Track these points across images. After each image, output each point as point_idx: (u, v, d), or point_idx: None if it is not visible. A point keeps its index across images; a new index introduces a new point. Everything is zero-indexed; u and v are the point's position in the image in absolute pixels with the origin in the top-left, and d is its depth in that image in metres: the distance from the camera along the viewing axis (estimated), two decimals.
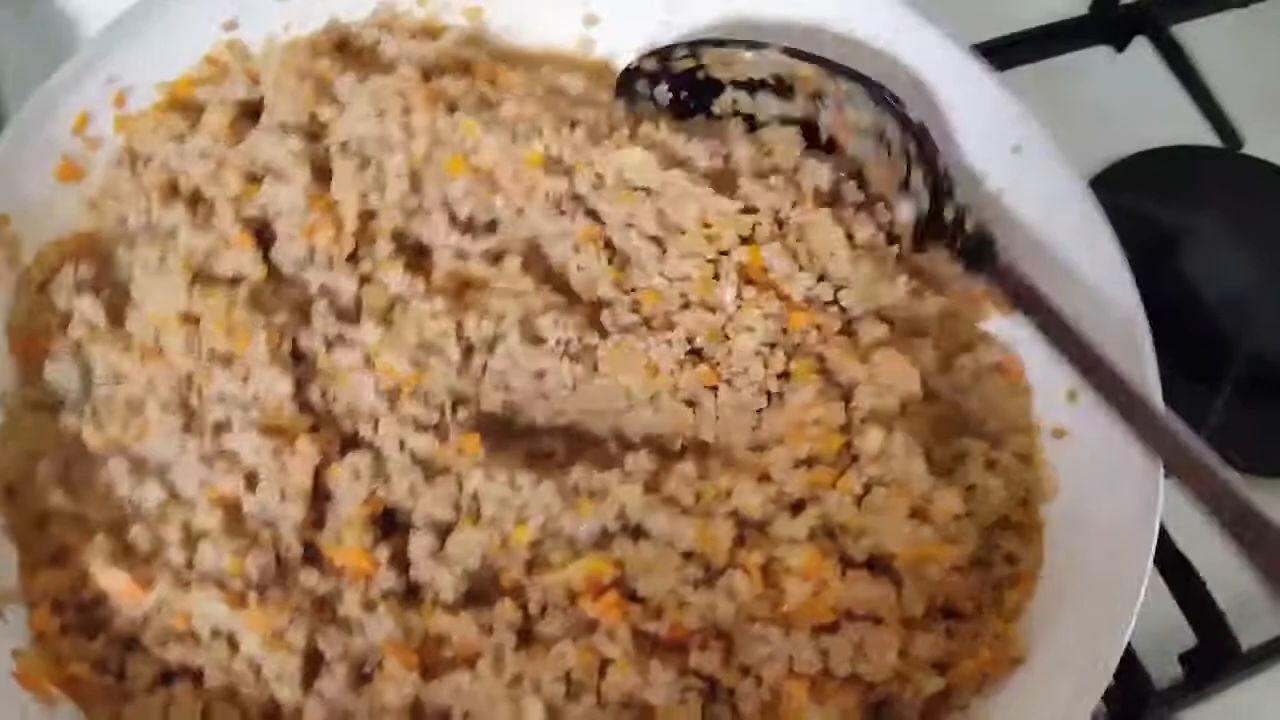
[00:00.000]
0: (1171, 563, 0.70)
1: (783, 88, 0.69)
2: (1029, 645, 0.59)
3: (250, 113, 0.66)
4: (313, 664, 0.54)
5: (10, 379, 0.59)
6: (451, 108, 0.64)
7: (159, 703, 0.53)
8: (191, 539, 0.55)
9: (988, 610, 0.60)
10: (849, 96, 0.67)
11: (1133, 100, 0.94)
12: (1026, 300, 0.63)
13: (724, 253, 0.63)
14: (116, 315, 0.60)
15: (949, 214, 0.65)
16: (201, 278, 0.60)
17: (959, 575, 0.60)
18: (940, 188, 0.65)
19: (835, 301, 0.64)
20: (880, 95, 0.66)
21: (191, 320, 0.59)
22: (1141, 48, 0.95)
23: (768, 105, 0.69)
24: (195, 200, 0.63)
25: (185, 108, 0.67)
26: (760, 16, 0.75)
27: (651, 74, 0.70)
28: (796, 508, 0.59)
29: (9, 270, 0.60)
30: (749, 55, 0.68)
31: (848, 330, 0.64)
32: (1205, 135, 0.91)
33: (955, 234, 0.65)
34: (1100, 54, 0.96)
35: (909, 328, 0.66)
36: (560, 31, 0.75)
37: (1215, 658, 0.68)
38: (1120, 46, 0.96)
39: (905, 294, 0.65)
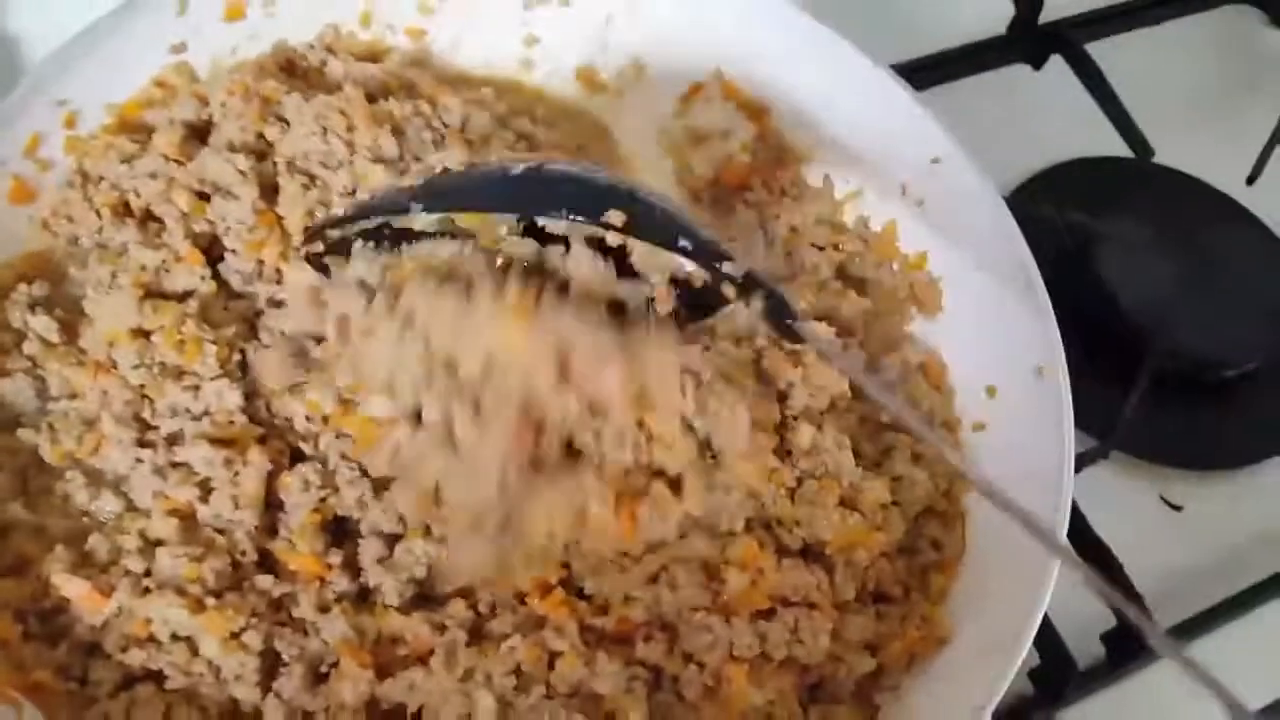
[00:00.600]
0: (1090, 547, 0.74)
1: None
2: (954, 626, 0.62)
3: (198, 133, 0.68)
4: (270, 665, 0.56)
5: None
6: (396, 129, 0.66)
7: (122, 706, 0.54)
8: (149, 547, 0.57)
9: (915, 594, 0.64)
10: None
11: (1050, 115, 0.99)
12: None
13: None
14: (70, 332, 0.62)
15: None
16: (152, 294, 0.61)
17: (887, 561, 0.63)
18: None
19: None
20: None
21: (143, 335, 0.60)
22: (1057, 65, 1.00)
23: None
24: (146, 219, 0.65)
25: (134, 129, 0.68)
26: (683, 39, 0.78)
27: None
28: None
29: None
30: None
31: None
32: (1119, 147, 0.96)
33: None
34: (1019, 71, 1.01)
35: (839, 329, 0.70)
36: (501, 52, 0.78)
37: (1133, 638, 0.72)
38: (1037, 64, 1.01)
39: (831, 295, 0.68)
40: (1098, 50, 0.98)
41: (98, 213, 0.65)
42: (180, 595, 0.55)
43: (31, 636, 0.55)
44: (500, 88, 0.77)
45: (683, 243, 0.52)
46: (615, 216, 0.51)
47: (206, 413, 0.59)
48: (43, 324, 0.60)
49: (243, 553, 0.58)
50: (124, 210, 0.65)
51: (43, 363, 0.61)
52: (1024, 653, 0.57)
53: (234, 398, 0.59)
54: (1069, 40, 0.98)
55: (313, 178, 0.65)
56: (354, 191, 0.65)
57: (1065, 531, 0.61)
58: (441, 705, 0.55)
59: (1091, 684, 0.73)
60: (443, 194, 0.55)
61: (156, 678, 0.56)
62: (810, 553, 0.62)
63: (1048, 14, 1.00)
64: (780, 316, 0.54)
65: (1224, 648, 0.75)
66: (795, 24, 0.76)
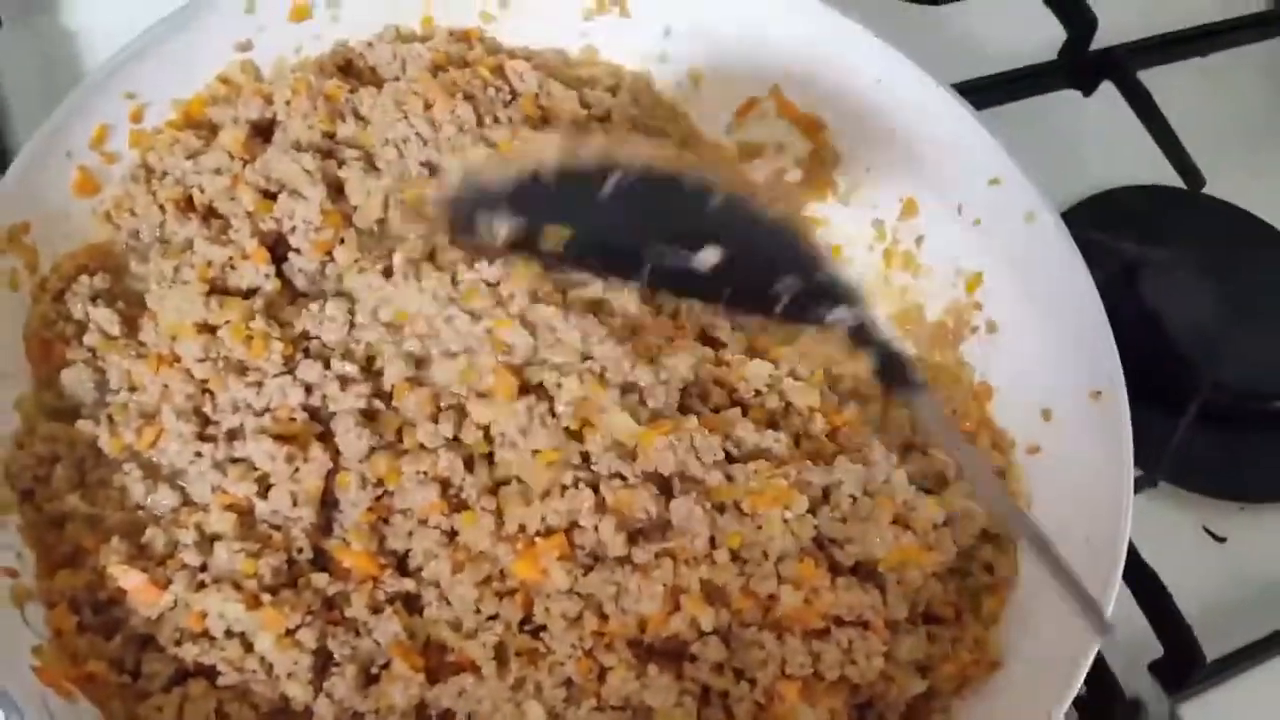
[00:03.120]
0: (1139, 575, 0.73)
1: None
2: (1006, 650, 0.61)
3: (261, 132, 0.69)
4: (322, 664, 0.56)
5: (26, 384, 0.61)
6: (467, 96, 0.67)
7: (174, 700, 0.54)
8: (206, 541, 0.57)
9: (966, 616, 0.63)
10: None
11: (1098, 142, 0.99)
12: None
13: None
14: (131, 325, 0.62)
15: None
16: (216, 290, 0.62)
17: (938, 582, 0.63)
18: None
19: None
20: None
21: (207, 330, 0.60)
22: (1107, 91, 0.99)
23: None
24: (209, 215, 0.65)
25: (198, 125, 0.69)
26: (741, 53, 0.78)
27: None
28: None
29: (27, 278, 0.62)
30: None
31: None
32: (1164, 175, 0.95)
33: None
34: (1068, 97, 1.01)
35: None
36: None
37: (1181, 667, 0.71)
38: (1088, 90, 1.01)
39: None
40: (1149, 78, 0.98)
41: (161, 207, 0.65)
42: (236, 590, 0.55)
43: (86, 628, 0.55)
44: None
45: (784, 283, 0.51)
46: (710, 255, 0.50)
47: (268, 409, 0.59)
48: (104, 316, 0.61)
49: (299, 550, 0.58)
50: (187, 206, 0.66)
51: (103, 354, 0.61)
52: (1080, 681, 0.56)
53: (296, 395, 0.59)
54: (1121, 67, 0.98)
55: (377, 168, 0.66)
56: (433, 170, 0.66)
57: (1124, 559, 0.60)
58: (492, 714, 0.55)
59: (1137, 715, 0.72)
60: (535, 203, 0.55)
61: (208, 673, 0.55)
62: (861, 571, 0.62)
63: (1100, 40, 1.00)
64: (894, 379, 0.52)
65: (1276, 678, 0.74)
66: (854, 41, 0.76)
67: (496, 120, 0.70)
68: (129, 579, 0.55)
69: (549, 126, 0.71)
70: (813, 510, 0.60)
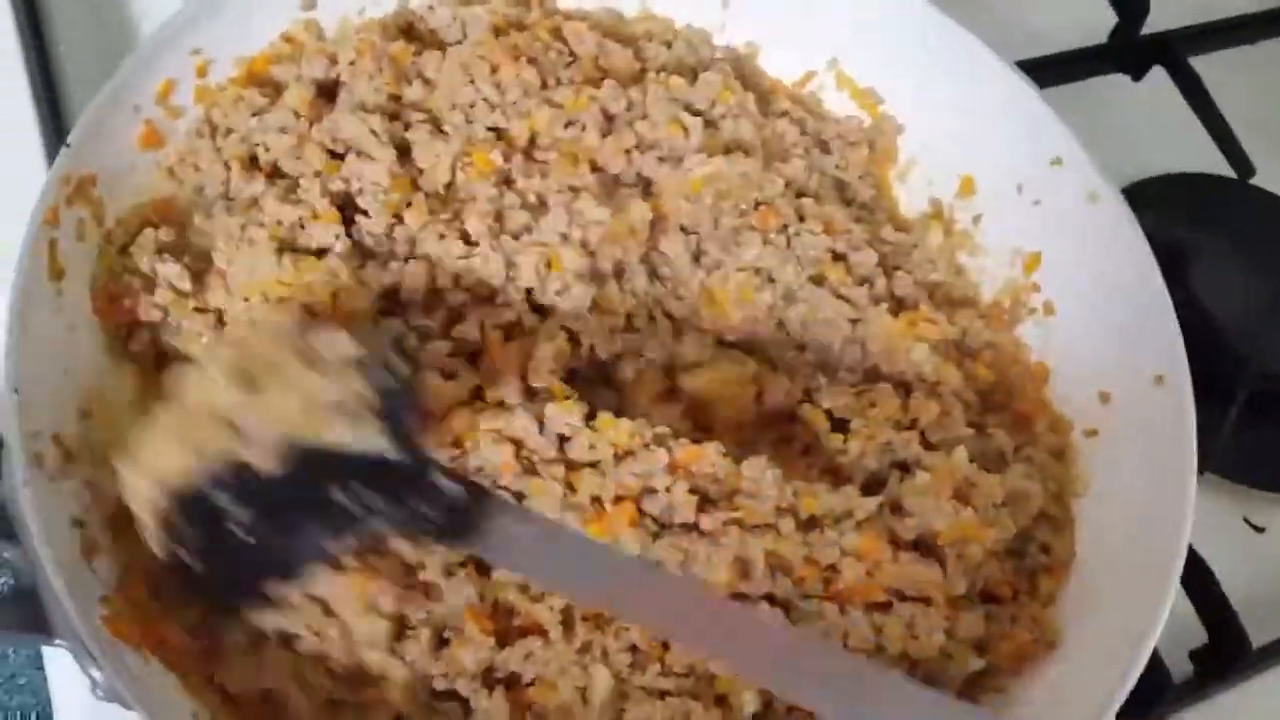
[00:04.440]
0: (1189, 563, 0.73)
1: None
2: (1064, 631, 0.61)
3: (325, 92, 0.68)
4: (398, 629, 0.56)
5: (94, 338, 0.60)
6: (530, 59, 0.67)
7: (251, 663, 0.54)
8: None
9: (1024, 595, 0.63)
10: None
11: (1147, 127, 0.98)
12: None
13: None
14: (198, 281, 0.61)
15: None
16: (287, 249, 0.61)
17: (996, 561, 0.63)
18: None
19: None
20: None
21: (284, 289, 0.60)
22: (1157, 77, 0.98)
23: None
24: (274, 174, 0.65)
25: (261, 83, 0.68)
26: (800, 26, 0.78)
27: None
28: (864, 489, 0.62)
29: (94, 230, 0.61)
30: None
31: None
32: (1212, 163, 0.95)
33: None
34: (1117, 81, 1.00)
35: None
36: None
37: (1226, 655, 0.72)
38: (1137, 75, 1.00)
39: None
40: (1200, 64, 0.97)
41: (225, 164, 0.65)
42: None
43: (161, 596, 0.55)
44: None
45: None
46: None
47: None
48: (174, 272, 0.60)
49: None
50: (251, 163, 0.65)
51: (174, 314, 0.61)
52: (1142, 665, 0.56)
53: None
54: (1173, 52, 0.97)
55: (444, 132, 0.66)
56: (500, 134, 0.66)
57: (1187, 543, 0.60)
58: (558, 677, 0.55)
59: (1180, 702, 0.72)
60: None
61: (284, 639, 0.55)
62: (921, 546, 0.62)
63: (1151, 25, 0.99)
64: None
65: None
66: (914, 15, 0.75)
67: (559, 82, 0.70)
68: None
69: (606, 83, 0.71)
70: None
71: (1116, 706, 0.55)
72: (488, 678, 0.56)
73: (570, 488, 0.57)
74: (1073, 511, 0.66)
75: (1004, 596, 0.63)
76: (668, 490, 0.58)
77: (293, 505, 0.50)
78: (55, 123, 0.75)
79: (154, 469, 0.50)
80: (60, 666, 0.62)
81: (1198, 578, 0.73)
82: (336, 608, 0.54)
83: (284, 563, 0.52)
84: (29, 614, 0.54)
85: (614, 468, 0.57)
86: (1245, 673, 0.73)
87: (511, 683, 0.56)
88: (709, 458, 0.58)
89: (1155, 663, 0.70)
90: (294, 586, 0.53)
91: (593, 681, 0.55)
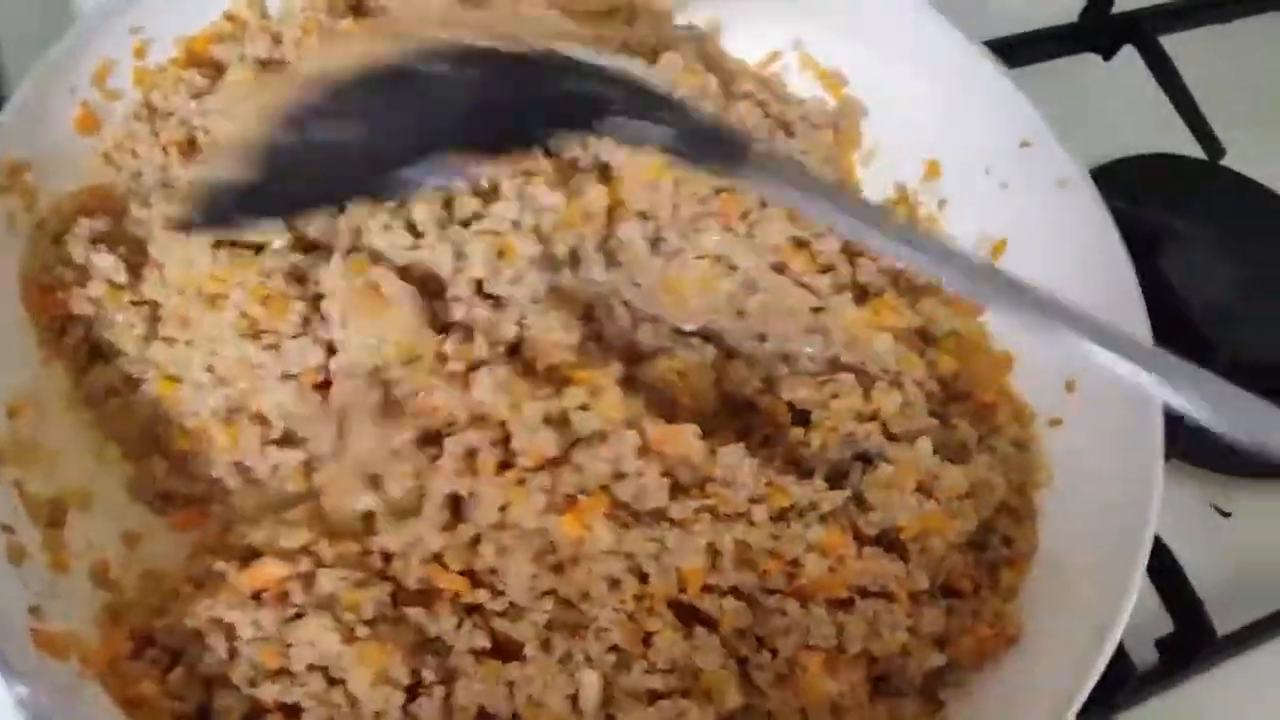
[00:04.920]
0: (1151, 548, 0.72)
1: None
2: (1026, 625, 0.61)
3: (270, 72, 0.66)
4: (412, 692, 0.54)
5: (26, 334, 0.58)
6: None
7: None
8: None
9: (985, 589, 0.62)
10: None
11: (1117, 108, 0.97)
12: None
13: None
14: (133, 273, 0.59)
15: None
16: (224, 243, 0.59)
17: (959, 554, 0.62)
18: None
19: None
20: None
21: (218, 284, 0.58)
22: (1127, 57, 0.97)
23: None
24: None
25: (203, 64, 0.66)
26: (764, 6, 0.76)
27: None
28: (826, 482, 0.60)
29: (25, 218, 0.59)
30: None
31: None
32: (1183, 144, 0.94)
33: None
34: (1088, 61, 0.99)
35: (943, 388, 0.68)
36: None
37: (1192, 643, 0.71)
38: (1108, 55, 0.99)
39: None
40: (1171, 44, 0.96)
41: (164, 149, 0.63)
42: (336, 622, 0.53)
43: (142, 657, 0.53)
44: None
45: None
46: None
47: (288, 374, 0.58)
48: (109, 264, 0.58)
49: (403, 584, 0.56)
50: (191, 148, 0.63)
51: (108, 307, 0.58)
52: (1106, 659, 0.55)
53: (317, 356, 0.57)
54: (1143, 32, 0.96)
55: None
56: None
57: (1151, 537, 0.59)
58: (544, 692, 0.53)
59: (1146, 690, 0.72)
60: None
61: (286, 709, 0.53)
62: (884, 541, 0.61)
63: (1122, 4, 0.98)
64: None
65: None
66: None
67: None
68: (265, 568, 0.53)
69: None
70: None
71: (1080, 701, 0.55)
72: (483, 717, 0.54)
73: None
74: (1035, 503, 0.65)
75: (965, 590, 0.62)
76: (639, 475, 0.56)
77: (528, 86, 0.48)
78: None
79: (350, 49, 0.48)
80: None
81: (1163, 566, 0.72)
82: (346, 678, 0.52)
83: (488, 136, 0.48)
84: None
85: (587, 450, 0.56)
86: (1211, 661, 0.73)
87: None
88: (685, 438, 0.57)
89: (1120, 652, 0.69)
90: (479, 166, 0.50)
91: (582, 686, 0.53)
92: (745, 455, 0.58)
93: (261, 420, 0.58)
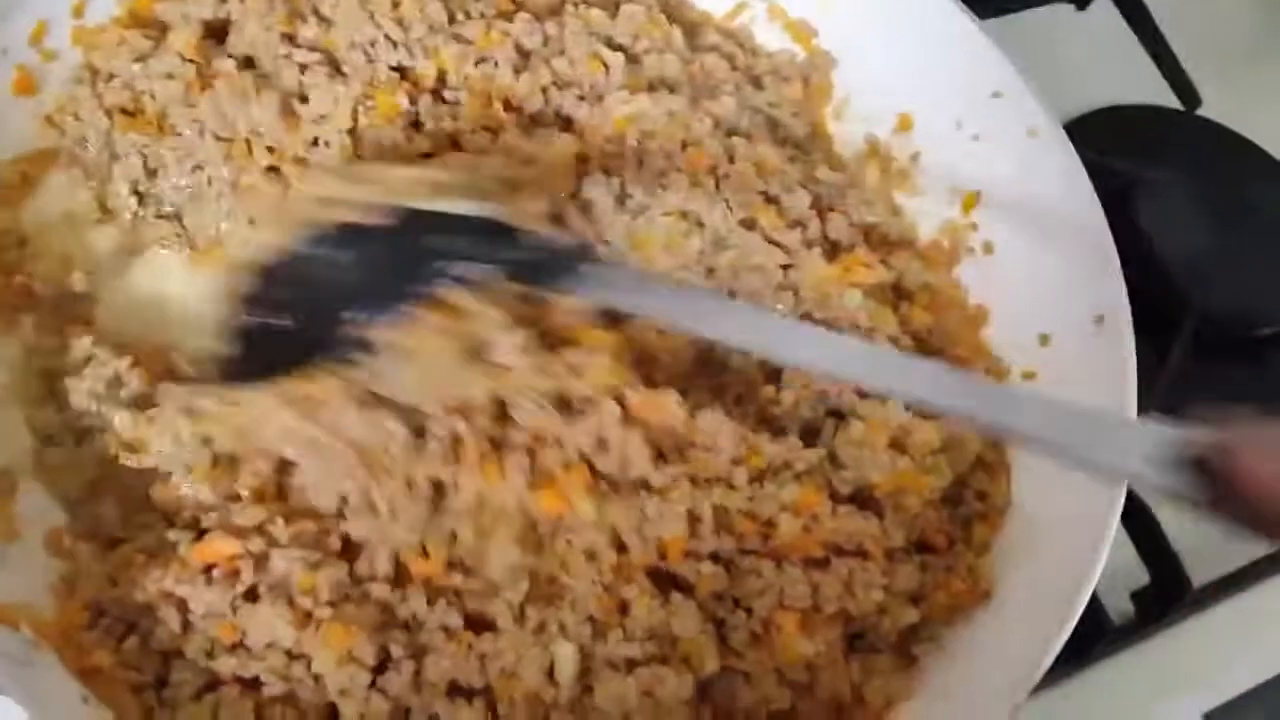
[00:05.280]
0: (1127, 505, 0.72)
1: None
2: (999, 580, 0.60)
3: (214, 33, 0.64)
4: (379, 668, 0.53)
5: None
6: None
7: (206, 708, 0.51)
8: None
9: (959, 545, 0.62)
10: None
11: (1092, 58, 0.96)
12: None
13: None
14: (141, 405, 0.57)
15: None
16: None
17: (933, 510, 0.61)
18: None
19: None
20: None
21: None
22: (1104, 6, 0.96)
23: None
24: (160, 125, 0.60)
25: (145, 25, 0.64)
26: None
27: None
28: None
29: None
30: None
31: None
32: (1157, 95, 0.92)
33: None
34: (1062, 11, 0.97)
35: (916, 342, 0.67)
36: None
37: (1167, 595, 0.71)
38: (1082, 4, 0.97)
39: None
40: None
41: (108, 113, 0.60)
42: (289, 607, 0.52)
43: (97, 628, 0.52)
44: None
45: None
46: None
47: None
48: (125, 420, 0.56)
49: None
50: (136, 112, 0.61)
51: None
52: (1078, 614, 0.55)
53: None
54: None
55: (343, 74, 0.62)
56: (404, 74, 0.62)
57: (1124, 492, 0.59)
58: (519, 665, 0.52)
59: (1121, 641, 0.72)
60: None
61: (245, 682, 0.52)
62: (858, 498, 0.60)
63: None
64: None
65: (1260, 607, 0.74)
66: None
67: (468, 16, 0.66)
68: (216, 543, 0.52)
69: (520, 17, 0.67)
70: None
71: (1052, 655, 0.54)
72: (455, 690, 0.53)
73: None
74: (1008, 457, 0.64)
75: (939, 546, 0.61)
76: (622, 444, 0.55)
77: (394, 251, 0.54)
78: None
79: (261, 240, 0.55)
80: None
81: (1139, 519, 0.72)
82: (310, 658, 0.51)
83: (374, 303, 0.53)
84: None
85: (569, 422, 0.55)
86: (1186, 613, 0.73)
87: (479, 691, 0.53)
88: (668, 406, 0.56)
89: (1095, 604, 0.69)
90: (380, 322, 0.53)
91: (557, 658, 0.53)
92: (725, 419, 0.57)
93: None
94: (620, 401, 0.56)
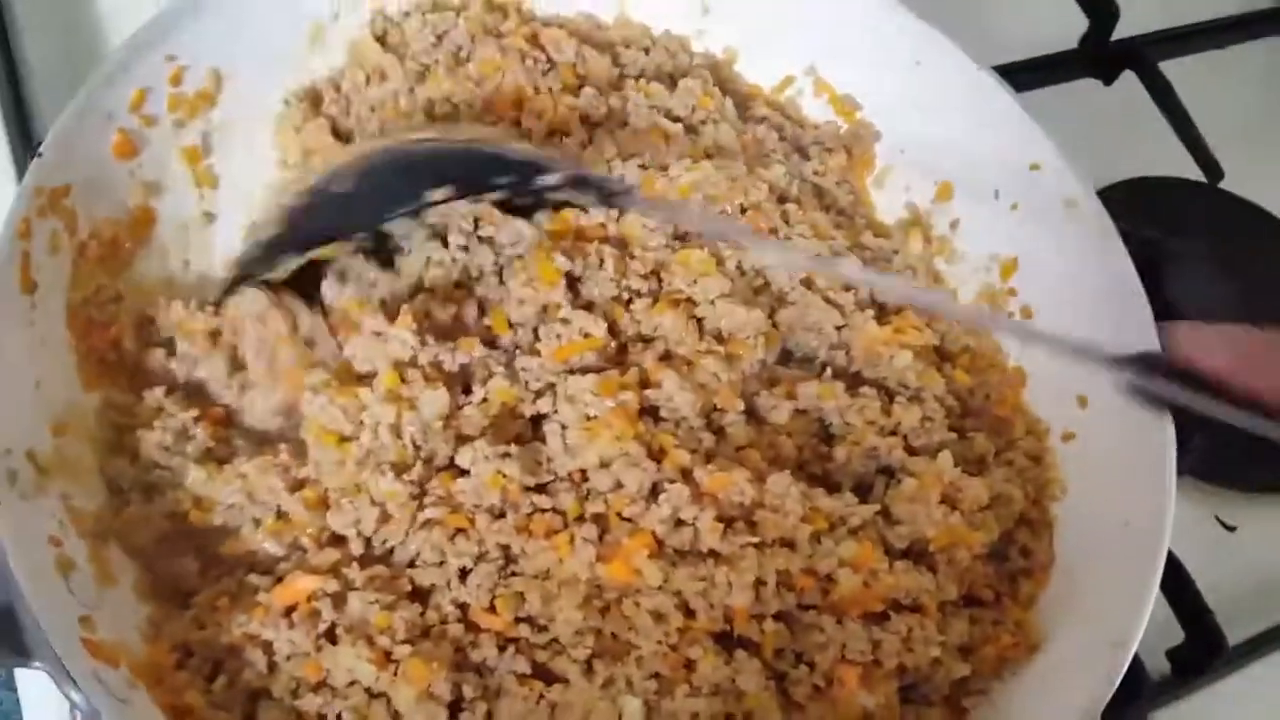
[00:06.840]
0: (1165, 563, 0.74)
1: None
2: (1046, 634, 0.62)
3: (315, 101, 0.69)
4: (453, 707, 0.54)
5: (65, 356, 0.59)
6: None
7: None
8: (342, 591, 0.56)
9: (1006, 599, 0.64)
10: None
11: (1118, 132, 0.99)
12: None
13: None
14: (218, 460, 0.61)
15: None
16: None
17: (980, 565, 0.63)
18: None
19: None
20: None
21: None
22: (1129, 82, 0.99)
23: None
24: None
25: None
26: (779, 31, 0.78)
27: None
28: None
29: (67, 241, 0.60)
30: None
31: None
32: (1181, 168, 0.96)
33: None
34: (1088, 86, 1.01)
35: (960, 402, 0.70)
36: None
37: (1202, 653, 0.72)
38: (1109, 80, 1.01)
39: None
40: (1170, 70, 0.98)
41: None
42: (369, 646, 0.54)
43: (185, 668, 0.54)
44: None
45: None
46: (439, 194, 0.62)
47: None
48: (198, 476, 0.59)
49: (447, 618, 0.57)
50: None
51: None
52: (1123, 670, 0.57)
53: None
54: (1143, 57, 0.98)
55: None
56: None
57: (1165, 552, 0.60)
58: (587, 716, 0.54)
59: (1157, 700, 0.73)
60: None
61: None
62: (912, 553, 0.62)
63: (1121, 30, 1.00)
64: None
65: None
66: (893, 20, 0.76)
67: (537, 90, 0.69)
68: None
69: (585, 92, 0.71)
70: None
71: (1099, 710, 0.56)
72: None
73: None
74: (1051, 514, 0.66)
75: (986, 600, 0.63)
76: (694, 520, 0.57)
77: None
78: (23, 131, 0.73)
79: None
80: (34, 687, 0.61)
81: (1173, 577, 0.73)
82: (390, 696, 0.53)
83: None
84: (5, 635, 0.52)
85: (644, 505, 0.57)
86: (1222, 671, 0.74)
87: None
88: (737, 485, 0.58)
89: (1133, 662, 0.71)
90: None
91: (625, 712, 0.54)
92: (792, 480, 0.59)
93: None
94: (687, 477, 0.58)
